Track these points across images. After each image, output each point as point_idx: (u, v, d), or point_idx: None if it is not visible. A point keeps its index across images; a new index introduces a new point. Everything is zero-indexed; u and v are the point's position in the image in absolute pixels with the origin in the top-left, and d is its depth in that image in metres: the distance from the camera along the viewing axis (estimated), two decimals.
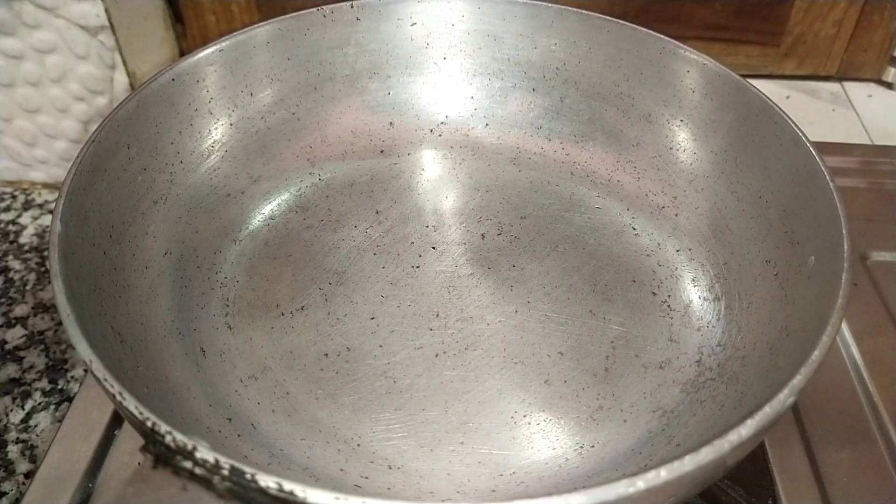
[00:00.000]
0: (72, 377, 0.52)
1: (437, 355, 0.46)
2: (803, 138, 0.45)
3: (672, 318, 0.48)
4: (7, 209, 0.66)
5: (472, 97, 0.59)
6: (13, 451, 0.48)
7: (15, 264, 0.61)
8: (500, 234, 0.53)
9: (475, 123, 0.59)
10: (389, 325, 0.48)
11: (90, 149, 0.43)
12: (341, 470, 0.40)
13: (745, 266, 0.47)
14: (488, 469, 0.41)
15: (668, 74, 0.53)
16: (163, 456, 0.29)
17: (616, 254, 0.52)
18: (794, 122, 0.46)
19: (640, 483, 0.28)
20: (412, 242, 0.53)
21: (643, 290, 0.49)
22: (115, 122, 0.45)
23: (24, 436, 0.49)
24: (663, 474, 0.29)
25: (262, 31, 0.53)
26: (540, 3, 0.55)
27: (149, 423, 0.30)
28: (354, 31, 0.56)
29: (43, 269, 0.60)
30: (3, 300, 0.58)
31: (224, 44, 0.52)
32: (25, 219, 0.65)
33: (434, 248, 0.52)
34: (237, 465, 0.28)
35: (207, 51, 0.51)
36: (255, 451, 0.40)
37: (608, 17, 0.54)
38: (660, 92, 0.54)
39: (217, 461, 0.28)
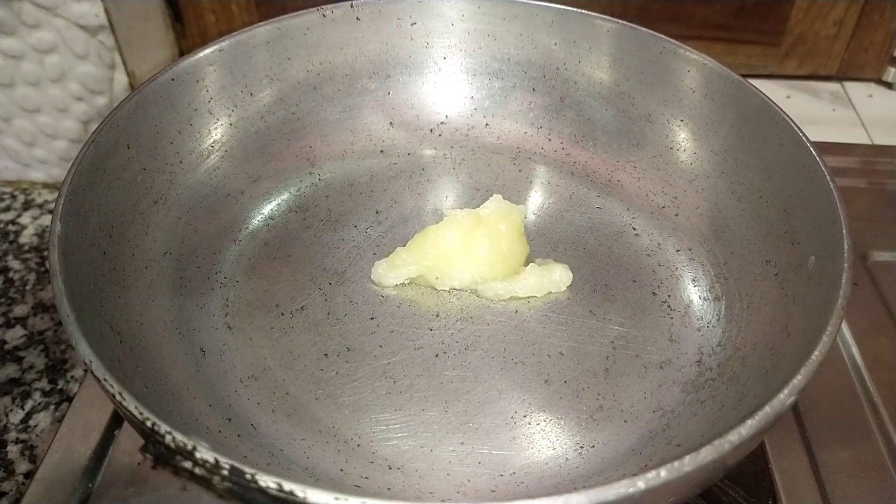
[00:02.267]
0: (72, 377, 0.52)
1: (437, 355, 0.46)
2: (803, 138, 0.45)
3: (672, 318, 0.48)
4: (7, 209, 0.66)
5: (472, 97, 0.59)
6: (13, 451, 0.48)
7: (15, 264, 0.61)
8: None
9: (475, 123, 0.59)
10: (389, 325, 0.47)
11: (90, 149, 0.43)
12: (341, 470, 0.40)
13: (746, 266, 0.47)
14: (488, 469, 0.41)
15: (668, 74, 0.53)
16: (163, 456, 0.29)
17: (616, 254, 0.52)
18: (794, 122, 0.46)
19: (640, 483, 0.28)
20: None
21: (643, 290, 0.49)
22: (114, 122, 0.45)
23: (23, 436, 0.49)
24: (663, 474, 0.29)
25: (262, 31, 0.53)
26: (540, 3, 0.55)
27: (149, 423, 0.30)
28: (354, 31, 0.56)
29: (43, 269, 0.61)
30: (3, 300, 0.58)
31: (224, 44, 0.52)
32: (25, 219, 0.65)
33: None
34: (237, 465, 0.28)
35: (207, 51, 0.51)
36: (254, 452, 0.40)
37: (608, 17, 0.54)
38: (660, 92, 0.54)
39: (217, 461, 0.28)
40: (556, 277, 0.49)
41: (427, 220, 0.54)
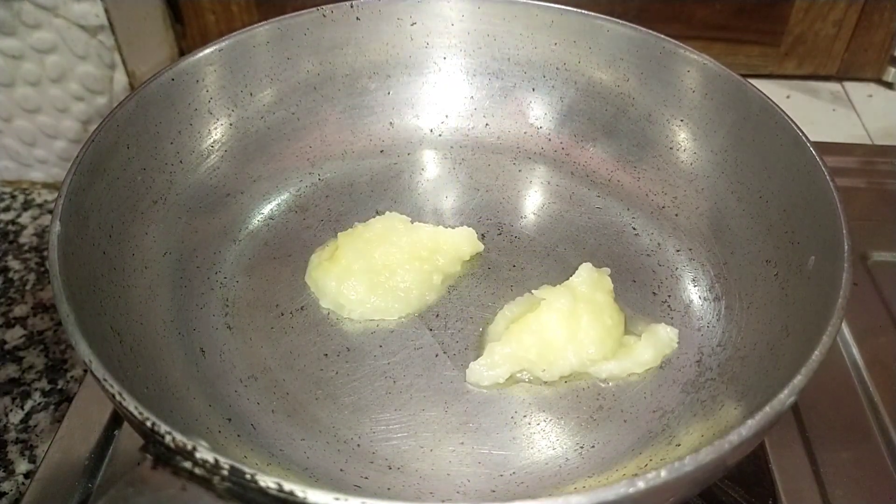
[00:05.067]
0: (71, 377, 0.52)
1: (436, 355, 0.46)
2: (803, 138, 0.45)
3: (672, 318, 0.48)
4: (7, 209, 0.66)
5: (472, 97, 0.59)
6: (13, 451, 0.48)
7: (15, 264, 0.61)
8: (500, 234, 0.53)
9: (475, 123, 0.59)
10: (389, 325, 0.47)
11: (90, 149, 0.43)
12: (341, 470, 0.40)
13: (746, 266, 0.47)
14: (488, 469, 0.41)
15: (668, 74, 0.53)
16: (163, 456, 0.29)
17: (616, 254, 0.52)
18: (794, 122, 0.46)
19: (640, 483, 0.28)
20: None
21: (643, 290, 0.49)
22: (114, 122, 0.45)
23: (23, 436, 0.49)
24: (663, 474, 0.29)
25: (262, 31, 0.53)
26: (540, 3, 0.55)
27: (149, 424, 0.30)
28: (354, 31, 0.56)
29: (43, 269, 0.60)
30: (3, 300, 0.58)
31: (224, 44, 0.52)
32: (25, 219, 0.65)
33: None
34: (237, 465, 0.28)
35: (207, 51, 0.51)
36: (254, 452, 0.40)
37: (608, 17, 0.54)
38: (660, 92, 0.54)
39: (217, 461, 0.28)
40: (664, 338, 0.45)
41: (427, 220, 0.54)
